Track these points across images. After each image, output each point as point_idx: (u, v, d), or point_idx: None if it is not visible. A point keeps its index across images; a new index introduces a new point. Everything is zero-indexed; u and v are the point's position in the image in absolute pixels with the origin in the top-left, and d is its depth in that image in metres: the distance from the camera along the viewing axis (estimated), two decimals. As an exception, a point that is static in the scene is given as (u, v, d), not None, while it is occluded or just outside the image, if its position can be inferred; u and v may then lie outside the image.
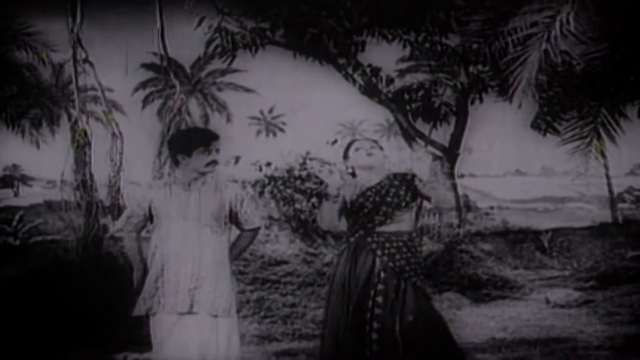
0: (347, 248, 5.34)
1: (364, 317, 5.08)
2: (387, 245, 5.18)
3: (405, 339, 5.00)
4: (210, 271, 5.06)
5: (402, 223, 5.24)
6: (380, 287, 5.12)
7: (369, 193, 5.26)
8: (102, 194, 9.29)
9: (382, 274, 5.13)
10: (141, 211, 5.24)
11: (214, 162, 5.15)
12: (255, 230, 5.35)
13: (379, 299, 5.09)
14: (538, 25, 8.57)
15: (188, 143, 5.17)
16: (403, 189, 5.22)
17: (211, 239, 5.10)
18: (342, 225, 5.45)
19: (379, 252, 5.18)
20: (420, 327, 5.05)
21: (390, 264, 5.13)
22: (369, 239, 5.22)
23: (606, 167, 13.52)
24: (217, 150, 5.18)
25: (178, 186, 5.18)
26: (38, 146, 12.12)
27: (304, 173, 11.76)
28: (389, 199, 5.22)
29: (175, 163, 5.25)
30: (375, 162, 5.36)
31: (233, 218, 5.24)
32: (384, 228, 5.22)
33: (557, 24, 8.37)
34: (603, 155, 10.19)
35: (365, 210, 5.25)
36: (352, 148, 5.45)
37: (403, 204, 5.20)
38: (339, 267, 5.32)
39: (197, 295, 5.02)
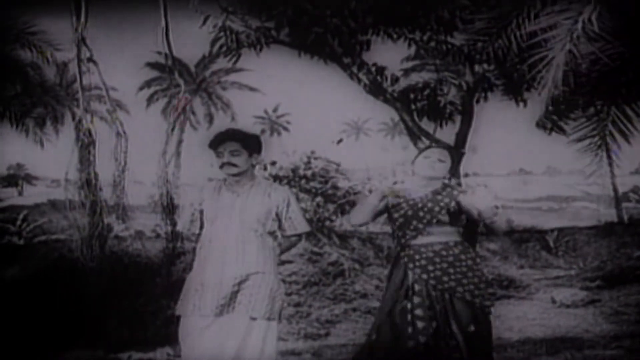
0: (389, 267, 5.29)
1: (404, 333, 4.98)
2: (417, 257, 5.08)
3: (471, 349, 4.94)
4: (253, 274, 5.05)
5: (437, 235, 5.11)
6: (416, 300, 5.01)
7: (403, 205, 5.15)
8: (106, 193, 9.27)
9: (417, 286, 5.03)
10: (198, 213, 5.25)
11: (227, 165, 5.12)
12: (300, 236, 5.34)
13: (419, 312, 4.99)
14: (558, 26, 8.56)
15: (210, 147, 5.19)
16: (440, 205, 5.08)
17: (256, 243, 5.08)
18: (370, 226, 5.43)
19: (410, 265, 5.08)
20: (483, 336, 5.03)
21: (424, 276, 5.02)
22: (402, 253, 5.12)
23: (611, 166, 13.50)
24: (232, 152, 5.13)
25: (227, 188, 5.17)
26: (42, 145, 12.12)
27: (308, 172, 11.75)
28: (421, 214, 5.11)
29: (253, 165, 5.29)
30: (436, 174, 5.19)
31: (279, 223, 5.23)
32: (416, 241, 5.11)
33: (580, 25, 8.36)
34: (609, 154, 10.16)
35: (397, 224, 5.15)
36: (422, 155, 5.25)
37: (434, 221, 5.07)
38: (397, 272, 5.22)
39: (239, 297, 5.00)
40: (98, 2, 9.03)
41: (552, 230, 13.86)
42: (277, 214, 5.18)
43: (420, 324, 4.94)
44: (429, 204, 5.10)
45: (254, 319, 5.02)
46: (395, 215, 5.14)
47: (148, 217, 11.60)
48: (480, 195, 5.04)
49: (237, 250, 5.05)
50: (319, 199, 11.68)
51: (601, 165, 9.81)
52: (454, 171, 5.32)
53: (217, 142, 5.15)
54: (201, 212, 5.23)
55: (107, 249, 9.49)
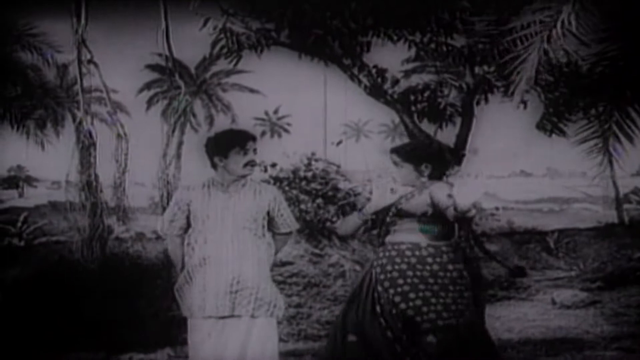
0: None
1: (382, 340, 4.79)
2: (380, 254, 4.94)
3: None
4: (251, 274, 5.05)
5: (408, 233, 4.90)
6: (381, 302, 4.83)
7: (392, 208, 4.92)
8: (107, 195, 9.29)
9: (379, 287, 4.85)
10: (182, 214, 5.24)
11: (252, 163, 5.13)
12: (289, 234, 5.37)
13: (384, 320, 4.81)
14: (539, 24, 8.56)
15: (224, 145, 5.16)
16: (409, 196, 4.90)
17: (250, 242, 5.10)
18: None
19: (374, 263, 4.94)
20: (451, 346, 4.70)
21: (382, 276, 4.84)
22: (381, 254, 4.95)
23: (612, 167, 13.49)
24: (255, 151, 5.16)
25: (217, 188, 5.17)
26: (43, 147, 12.13)
27: (309, 174, 11.76)
28: (391, 210, 4.90)
29: (214, 166, 5.24)
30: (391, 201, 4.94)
31: (270, 221, 5.23)
32: (397, 237, 4.92)
33: (559, 24, 8.35)
34: (610, 156, 10.17)
35: (378, 221, 4.99)
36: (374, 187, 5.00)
37: (394, 211, 4.90)
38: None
39: (239, 298, 5.01)
40: (98, 4, 9.05)
41: (552, 232, 13.86)
42: (268, 212, 5.17)
43: (389, 334, 4.79)
44: (401, 200, 4.91)
45: (254, 317, 5.03)
46: (384, 215, 4.96)
47: (148, 219, 11.61)
48: (436, 189, 4.82)
49: (233, 250, 5.06)
50: (319, 200, 11.68)
51: (604, 167, 9.83)
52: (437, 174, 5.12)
53: (244, 139, 5.15)
54: (188, 212, 5.23)
55: (108, 251, 9.53)
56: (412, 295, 4.73)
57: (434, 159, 5.03)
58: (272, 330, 5.13)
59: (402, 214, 4.89)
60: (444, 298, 4.77)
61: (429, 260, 4.83)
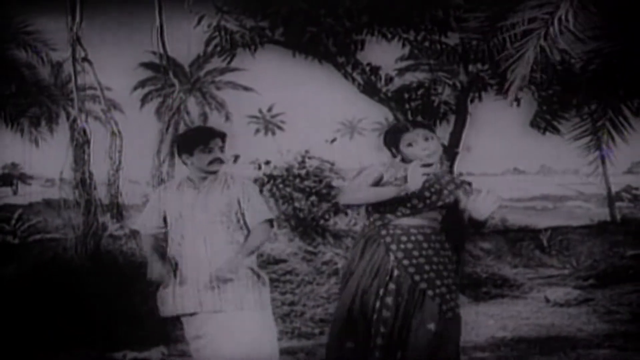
0: (360, 240, 4.84)
1: (370, 319, 4.62)
2: (404, 239, 4.66)
3: (417, 349, 4.55)
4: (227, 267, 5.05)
5: (426, 219, 4.74)
6: (391, 286, 4.61)
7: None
8: (101, 192, 9.29)
9: (395, 272, 4.62)
10: (157, 213, 5.25)
11: (217, 160, 5.13)
12: (266, 223, 5.22)
13: (388, 300, 4.60)
14: (536, 21, 8.57)
15: (189, 143, 5.17)
16: (449, 189, 4.78)
17: (225, 236, 5.09)
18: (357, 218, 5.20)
19: (393, 247, 4.65)
20: (440, 340, 4.59)
21: (406, 262, 4.61)
22: (384, 232, 4.69)
23: (604, 165, 13.53)
24: (221, 148, 5.15)
25: (189, 186, 5.18)
26: (37, 145, 12.12)
27: (303, 171, 11.76)
28: (426, 194, 4.72)
29: (184, 164, 5.25)
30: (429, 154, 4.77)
31: (244, 212, 5.21)
32: (404, 220, 4.71)
33: (556, 21, 8.37)
34: (602, 155, 10.19)
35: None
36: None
37: (439, 204, 4.74)
38: (348, 262, 4.86)
39: (222, 293, 5.01)
40: (93, 2, 9.05)
41: (545, 230, 13.88)
42: (238, 204, 5.15)
43: (385, 314, 4.60)
44: (436, 186, 4.77)
45: (242, 309, 5.02)
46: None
47: (143, 217, 11.60)
48: (484, 202, 4.64)
49: (208, 246, 5.06)
50: (313, 198, 11.69)
51: (596, 164, 9.86)
52: (449, 170, 5.13)
53: (208, 137, 5.15)
54: (163, 212, 5.24)
55: (102, 248, 9.54)
56: (430, 292, 4.62)
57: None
58: (264, 322, 5.12)
59: (427, 205, 4.74)
60: (452, 282, 4.73)
61: (446, 245, 4.76)
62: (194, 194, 5.13)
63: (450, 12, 9.87)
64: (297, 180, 11.74)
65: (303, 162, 11.90)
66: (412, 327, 4.59)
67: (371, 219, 4.82)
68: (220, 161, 5.14)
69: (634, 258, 12.04)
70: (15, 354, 7.66)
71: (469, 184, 4.95)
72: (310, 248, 11.18)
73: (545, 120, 10.43)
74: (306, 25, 10.01)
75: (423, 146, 4.77)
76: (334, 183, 11.85)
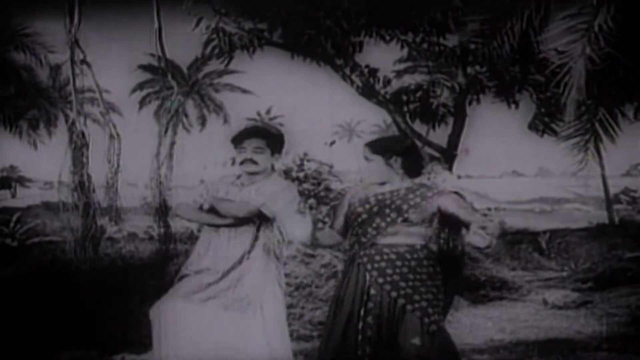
0: (345, 262, 5.01)
1: (355, 340, 4.69)
2: (377, 258, 4.75)
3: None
4: (224, 266, 5.07)
5: (403, 236, 4.78)
6: (369, 305, 4.70)
7: (371, 200, 4.87)
8: (99, 195, 9.29)
9: (372, 291, 4.71)
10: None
11: (248, 161, 5.13)
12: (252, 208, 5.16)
13: (369, 320, 4.68)
14: (575, 30, 8.59)
15: (233, 141, 5.21)
16: (410, 203, 4.78)
17: (250, 236, 5.11)
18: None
19: (368, 266, 4.75)
20: (429, 354, 4.60)
21: (380, 280, 4.69)
22: (362, 252, 4.80)
23: (602, 167, 13.53)
24: (256, 149, 5.13)
25: (234, 184, 5.24)
26: (36, 147, 12.10)
27: (301, 174, 11.74)
28: (387, 211, 4.80)
29: None
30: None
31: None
32: (379, 239, 4.79)
33: (596, 28, 8.39)
34: (599, 155, 10.20)
35: (360, 220, 4.85)
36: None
37: (399, 220, 4.77)
38: (337, 288, 4.99)
39: (237, 290, 5.03)
40: (91, 4, 9.05)
41: (544, 232, 13.87)
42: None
43: (369, 332, 4.67)
44: (398, 202, 4.81)
45: (227, 309, 5.02)
46: (359, 209, 4.86)
47: (141, 219, 11.58)
48: (449, 201, 4.76)
49: (229, 240, 5.06)
50: (311, 200, 11.67)
51: (591, 166, 9.85)
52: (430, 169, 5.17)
53: (242, 137, 5.15)
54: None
55: (100, 251, 9.53)
56: (409, 306, 4.65)
57: (405, 152, 4.93)
58: (259, 325, 5.11)
59: (408, 222, 4.78)
60: (434, 297, 4.74)
61: (425, 263, 4.76)
62: (235, 192, 5.16)
63: (448, 14, 9.89)
64: (296, 183, 11.73)
65: (301, 164, 11.88)
66: (400, 344, 4.63)
67: (351, 242, 4.93)
68: (252, 162, 5.12)
69: (632, 260, 12.01)
70: (14, 357, 7.66)
71: (456, 192, 4.90)
72: (308, 251, 11.16)
73: (543, 123, 10.45)
74: (305, 28, 10.02)
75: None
76: (333, 186, 11.84)
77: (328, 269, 10.68)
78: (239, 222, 5.08)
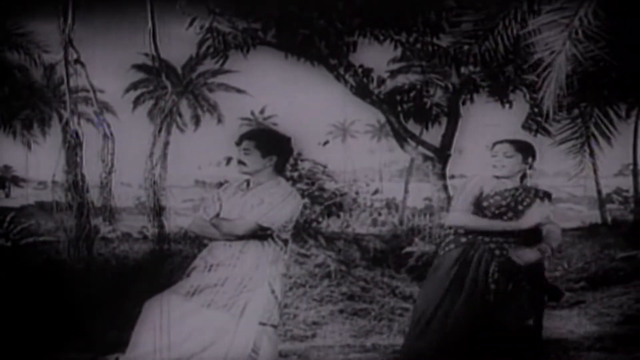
0: (459, 246, 5.35)
1: (480, 314, 5.18)
2: (506, 246, 5.29)
3: (516, 340, 5.30)
4: (212, 261, 5.09)
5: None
6: (492, 287, 5.21)
7: (506, 194, 5.41)
8: (93, 195, 9.27)
9: (496, 275, 5.23)
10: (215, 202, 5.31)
11: (238, 163, 5.18)
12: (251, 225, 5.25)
13: (491, 297, 5.20)
14: (557, 25, 8.61)
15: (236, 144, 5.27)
16: (525, 204, 5.37)
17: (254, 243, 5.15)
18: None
19: (497, 252, 5.27)
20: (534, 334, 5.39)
21: (507, 266, 5.24)
22: (487, 239, 5.28)
23: (595, 167, 13.58)
24: (245, 151, 5.18)
25: (240, 187, 5.27)
26: (29, 147, 12.10)
27: (295, 174, 11.74)
28: (520, 207, 5.35)
29: None
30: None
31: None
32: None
33: (577, 23, 8.41)
34: (592, 156, 10.23)
35: (497, 212, 5.35)
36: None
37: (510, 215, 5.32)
38: (446, 266, 5.33)
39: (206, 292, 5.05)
40: (85, 4, 9.04)
41: (537, 232, 13.87)
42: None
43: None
44: (527, 200, 5.40)
45: (262, 324, 5.06)
46: (502, 202, 5.37)
47: (135, 219, 11.59)
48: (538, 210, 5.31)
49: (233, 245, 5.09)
50: (305, 200, 11.68)
51: (584, 166, 9.87)
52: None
53: (239, 140, 5.23)
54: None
55: (94, 251, 9.51)
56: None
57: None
58: (242, 330, 5.13)
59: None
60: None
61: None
62: (237, 196, 5.21)
63: (442, 14, 9.91)
64: (290, 183, 11.73)
65: (295, 164, 11.89)
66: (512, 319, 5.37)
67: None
68: (241, 163, 5.16)
69: (624, 260, 12.04)
70: (7, 357, 7.65)
71: (546, 194, 5.57)
72: (302, 250, 11.18)
73: (537, 123, 10.45)
74: (299, 27, 10.03)
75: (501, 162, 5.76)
76: (326, 186, 11.85)
77: (322, 269, 10.69)
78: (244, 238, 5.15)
